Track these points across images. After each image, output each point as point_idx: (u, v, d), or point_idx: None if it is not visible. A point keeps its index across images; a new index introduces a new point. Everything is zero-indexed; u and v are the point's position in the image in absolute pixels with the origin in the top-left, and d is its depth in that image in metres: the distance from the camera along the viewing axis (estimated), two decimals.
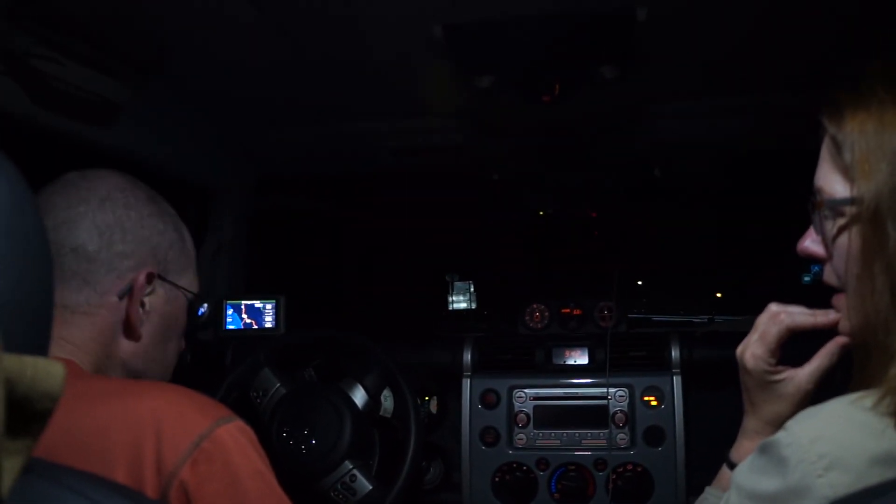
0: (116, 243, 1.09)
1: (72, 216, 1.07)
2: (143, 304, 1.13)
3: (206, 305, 1.32)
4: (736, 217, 3.73)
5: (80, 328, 1.07)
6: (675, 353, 2.29)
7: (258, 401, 2.04)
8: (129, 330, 1.12)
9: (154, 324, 1.15)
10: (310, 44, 1.65)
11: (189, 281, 1.24)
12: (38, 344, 0.61)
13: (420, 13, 1.51)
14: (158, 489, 0.90)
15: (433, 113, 2.17)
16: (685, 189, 3.17)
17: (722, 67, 1.85)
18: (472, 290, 3.33)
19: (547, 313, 2.56)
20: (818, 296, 0.99)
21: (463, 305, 3.32)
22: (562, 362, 2.40)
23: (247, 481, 0.96)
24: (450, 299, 3.32)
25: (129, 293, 1.10)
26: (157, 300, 1.15)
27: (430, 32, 1.58)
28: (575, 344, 2.42)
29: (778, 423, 1.02)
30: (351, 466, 1.89)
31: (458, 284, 3.32)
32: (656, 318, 4.59)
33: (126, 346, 1.12)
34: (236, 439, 0.97)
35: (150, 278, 1.12)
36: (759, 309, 1.07)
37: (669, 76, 1.90)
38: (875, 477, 0.75)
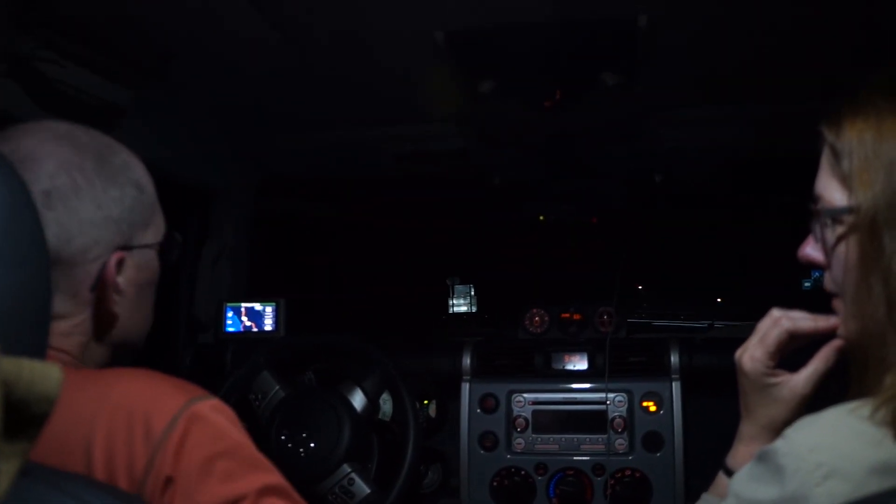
0: (75, 238, 1.01)
1: None
2: (117, 287, 1.08)
3: (177, 239, 1.22)
4: (737, 223, 3.74)
5: (59, 330, 1.06)
6: (674, 359, 2.29)
7: (257, 404, 2.04)
8: (108, 314, 1.10)
9: (130, 295, 1.11)
10: (313, 49, 1.65)
11: (155, 230, 1.15)
12: (35, 347, 0.61)
13: (422, 19, 1.52)
14: (136, 475, 0.89)
15: (435, 118, 2.17)
16: (686, 195, 3.17)
17: (722, 75, 1.85)
18: (472, 293, 3.34)
19: (547, 318, 2.56)
20: (819, 301, 0.99)
21: (463, 309, 3.32)
22: (561, 367, 2.40)
23: (224, 457, 0.94)
24: (450, 303, 3.33)
25: (100, 282, 1.05)
26: (130, 273, 1.10)
27: (433, 38, 1.59)
28: (574, 349, 2.42)
29: (774, 428, 1.02)
30: (349, 470, 1.89)
31: (458, 288, 3.33)
32: (656, 322, 4.59)
33: (106, 325, 1.11)
34: (212, 417, 0.96)
35: (120, 262, 1.06)
36: (759, 314, 1.07)
37: (671, 83, 1.91)
38: (873, 486, 0.75)
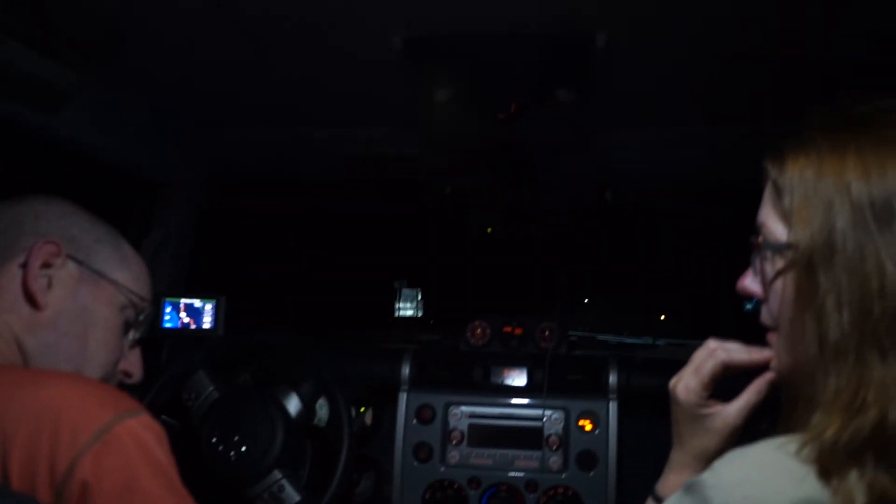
0: (27, 224, 1.10)
1: None
2: (49, 279, 1.11)
3: (146, 311, 1.28)
4: (684, 243, 3.79)
5: None
6: (612, 379, 2.30)
7: (190, 403, 2.00)
8: (29, 297, 1.09)
9: (62, 301, 1.12)
10: (269, 45, 1.62)
11: (124, 279, 1.21)
12: None
13: (381, 23, 1.50)
14: (52, 484, 0.87)
15: (389, 122, 2.16)
16: (635, 213, 3.20)
17: (675, 98, 1.87)
18: (419, 298, 3.33)
19: (488, 330, 2.56)
20: (759, 324, 0.99)
21: (410, 313, 3.31)
22: (500, 381, 2.40)
23: (147, 479, 0.93)
24: (397, 306, 3.31)
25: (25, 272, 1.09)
26: (65, 276, 1.12)
27: (391, 43, 1.57)
28: (514, 363, 2.42)
29: (704, 458, 1.03)
30: (280, 476, 1.85)
31: (405, 292, 3.31)
32: (599, 336, 4.62)
33: (26, 313, 1.09)
34: (140, 434, 0.95)
35: (54, 251, 1.11)
36: (702, 332, 1.08)
37: (624, 103, 1.92)
38: None
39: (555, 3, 1.40)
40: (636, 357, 2.45)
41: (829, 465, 0.76)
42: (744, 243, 0.96)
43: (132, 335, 1.26)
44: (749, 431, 1.00)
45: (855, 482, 0.74)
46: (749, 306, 0.99)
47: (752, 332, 1.01)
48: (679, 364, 1.09)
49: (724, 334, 1.07)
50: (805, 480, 0.77)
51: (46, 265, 1.10)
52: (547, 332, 2.52)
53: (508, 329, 2.55)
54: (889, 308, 0.76)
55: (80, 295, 1.14)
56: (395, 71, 1.72)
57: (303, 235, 3.79)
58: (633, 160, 2.33)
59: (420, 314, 3.39)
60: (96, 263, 1.16)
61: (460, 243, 3.84)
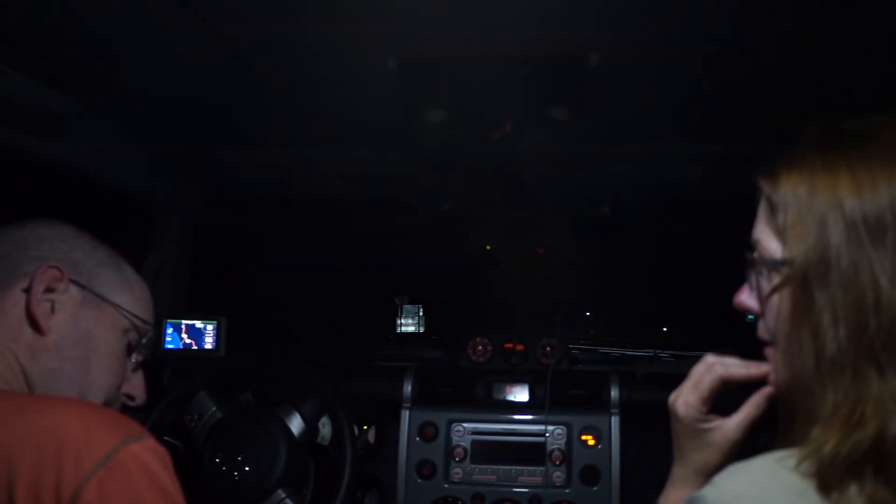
0: (30, 249, 1.10)
1: None
2: (52, 304, 1.10)
3: (149, 334, 1.27)
4: (683, 255, 3.79)
5: None
6: (614, 394, 2.31)
7: (192, 424, 2.00)
8: (33, 322, 1.09)
9: (65, 325, 1.11)
10: (264, 66, 1.63)
11: (126, 303, 1.21)
12: None
13: (376, 43, 1.51)
14: (63, 501, 0.87)
15: (386, 142, 2.16)
16: (633, 227, 3.20)
17: (670, 115, 1.88)
18: (421, 313, 3.32)
19: (490, 347, 2.57)
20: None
21: (412, 329, 3.30)
22: (502, 398, 2.40)
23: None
24: (398, 322, 3.30)
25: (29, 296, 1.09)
26: (68, 301, 1.12)
27: (385, 63, 1.58)
28: (516, 380, 2.43)
29: (705, 472, 1.03)
30: (283, 495, 1.86)
31: (407, 307, 3.30)
32: (602, 349, 4.62)
33: (29, 338, 1.09)
34: (144, 459, 0.94)
35: (57, 275, 1.10)
36: (703, 344, 1.08)
37: (619, 121, 1.93)
38: None
39: (549, 24, 1.41)
40: (637, 371, 2.46)
41: (828, 479, 0.76)
42: (741, 256, 0.96)
43: (135, 358, 1.26)
44: (749, 446, 1.01)
45: (854, 496, 0.75)
46: (751, 317, 0.99)
47: (755, 344, 1.02)
48: (679, 378, 1.09)
49: (726, 345, 1.07)
50: (804, 494, 0.77)
51: (50, 290, 1.10)
52: (548, 348, 2.52)
53: (510, 345, 2.56)
54: (885, 323, 0.77)
55: (83, 319, 1.14)
56: (391, 91, 1.73)
57: (303, 254, 3.79)
58: (629, 175, 2.34)
59: (422, 330, 3.39)
60: (98, 287, 1.16)
61: (461, 260, 3.84)
